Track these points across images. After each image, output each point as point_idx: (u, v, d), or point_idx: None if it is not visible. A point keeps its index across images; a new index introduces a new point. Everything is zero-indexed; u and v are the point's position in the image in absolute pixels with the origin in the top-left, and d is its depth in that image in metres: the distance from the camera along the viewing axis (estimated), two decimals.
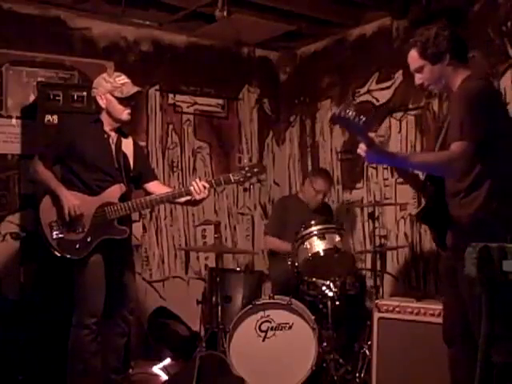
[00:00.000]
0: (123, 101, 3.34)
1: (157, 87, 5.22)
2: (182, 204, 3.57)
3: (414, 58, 2.70)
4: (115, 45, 5.00)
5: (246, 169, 3.38)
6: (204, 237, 5.41)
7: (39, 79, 4.47)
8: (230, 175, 3.38)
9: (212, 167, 5.46)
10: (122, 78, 3.36)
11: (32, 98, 4.47)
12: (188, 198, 3.38)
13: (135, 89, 3.36)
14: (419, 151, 4.68)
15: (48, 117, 4.05)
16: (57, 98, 4.10)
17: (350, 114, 2.25)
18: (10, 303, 4.11)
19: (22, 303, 4.11)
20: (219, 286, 4.05)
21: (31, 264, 4.22)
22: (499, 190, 2.47)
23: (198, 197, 3.34)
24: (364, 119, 2.26)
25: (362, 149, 2.45)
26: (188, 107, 5.39)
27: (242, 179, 3.38)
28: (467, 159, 2.42)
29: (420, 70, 2.68)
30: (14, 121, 4.49)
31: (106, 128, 3.39)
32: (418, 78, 2.70)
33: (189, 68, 5.38)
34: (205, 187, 3.32)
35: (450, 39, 2.60)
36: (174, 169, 5.30)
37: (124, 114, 3.37)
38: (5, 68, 4.49)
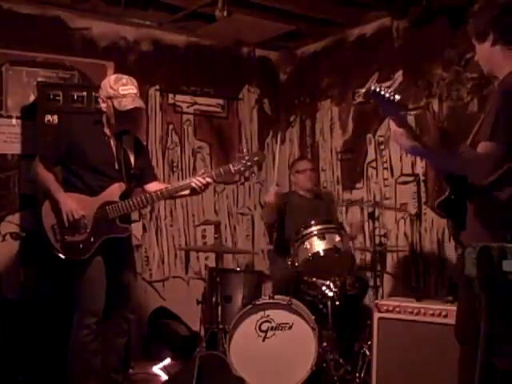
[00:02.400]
0: (119, 112, 3.26)
1: (157, 87, 5.22)
2: (183, 196, 3.56)
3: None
4: (115, 45, 5.00)
5: (246, 158, 3.35)
6: (204, 237, 5.41)
7: (39, 79, 4.47)
8: (230, 166, 3.35)
9: (212, 167, 5.46)
10: (127, 88, 3.26)
11: (32, 98, 4.47)
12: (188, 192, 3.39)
13: (134, 104, 3.26)
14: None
15: (48, 117, 4.05)
16: (57, 97, 4.10)
17: (386, 90, 2.20)
18: (10, 303, 4.11)
19: (21, 303, 4.11)
20: (219, 286, 4.05)
21: (31, 264, 4.22)
22: None
23: (200, 192, 3.36)
24: (399, 98, 2.20)
25: (394, 133, 2.33)
26: (188, 107, 5.39)
27: (242, 168, 3.34)
28: (494, 161, 2.26)
29: (475, 47, 2.49)
30: (14, 121, 4.49)
31: (107, 129, 3.37)
32: (476, 56, 2.53)
33: (189, 68, 5.38)
34: (209, 183, 3.33)
35: (497, 19, 2.37)
36: (174, 169, 5.30)
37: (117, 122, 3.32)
38: (5, 68, 4.49)
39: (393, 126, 2.34)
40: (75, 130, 3.35)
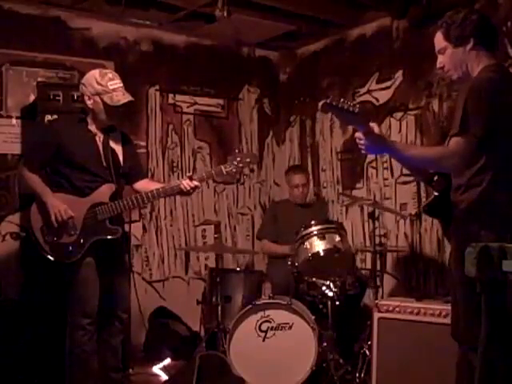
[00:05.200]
0: (111, 107, 3.23)
1: (157, 87, 5.22)
2: (174, 195, 3.53)
3: (438, 38, 2.61)
4: (115, 45, 5.00)
5: (238, 159, 3.32)
6: (204, 237, 5.41)
7: (39, 79, 4.47)
8: (222, 167, 3.32)
9: (212, 167, 5.45)
10: (115, 83, 3.23)
11: (32, 97, 4.46)
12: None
13: (126, 98, 3.23)
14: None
15: (48, 117, 4.04)
16: (57, 98, 4.10)
17: (343, 101, 2.26)
18: (10, 303, 4.11)
19: (21, 303, 4.11)
20: (219, 286, 4.05)
21: (31, 264, 4.22)
22: (498, 186, 2.41)
23: (188, 194, 3.35)
24: (358, 106, 2.26)
25: (359, 139, 2.42)
26: (188, 107, 5.39)
27: (234, 170, 3.31)
28: (466, 155, 2.36)
29: (442, 51, 2.59)
30: (14, 121, 4.49)
31: (92, 127, 3.31)
32: (439, 62, 2.63)
33: (189, 68, 5.38)
34: (197, 187, 3.32)
35: (477, 24, 2.52)
36: (174, 169, 5.30)
37: (108, 118, 3.28)
38: (5, 68, 4.49)
39: (358, 134, 2.44)
40: (59, 130, 3.31)
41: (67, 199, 3.24)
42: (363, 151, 2.48)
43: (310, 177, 5.26)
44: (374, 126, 2.44)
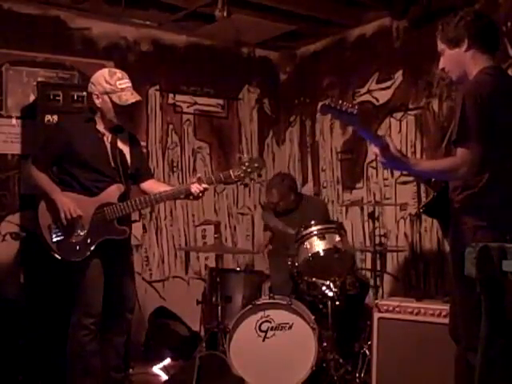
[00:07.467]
0: (119, 107, 3.25)
1: (157, 87, 5.23)
2: (182, 199, 3.54)
3: (438, 41, 2.63)
4: (115, 45, 5.00)
5: (246, 164, 3.32)
6: (204, 237, 5.41)
7: (39, 79, 4.47)
8: (230, 171, 3.33)
9: (212, 167, 5.47)
10: (124, 82, 3.26)
11: (32, 98, 4.47)
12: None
13: (134, 98, 3.26)
14: (420, 155, 4.70)
15: (48, 117, 4.05)
16: (57, 98, 4.10)
17: (341, 103, 2.27)
18: (10, 303, 4.11)
19: (22, 303, 4.11)
20: (219, 285, 4.05)
21: (31, 264, 4.22)
22: (495, 188, 2.41)
23: (197, 198, 3.34)
24: (357, 107, 2.27)
25: (376, 156, 2.44)
26: (188, 107, 5.39)
27: (242, 175, 3.31)
28: (475, 163, 2.35)
29: (442, 53, 2.61)
30: (14, 121, 4.49)
31: (100, 127, 3.33)
32: (441, 63, 2.64)
33: (189, 68, 5.38)
34: (206, 189, 3.32)
35: (471, 25, 2.51)
36: (174, 169, 5.30)
37: (117, 117, 3.30)
38: (5, 68, 4.49)
39: (375, 151, 2.44)
40: (68, 129, 3.32)
41: (76, 198, 3.25)
42: (382, 166, 2.51)
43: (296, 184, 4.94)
44: (389, 141, 2.43)
